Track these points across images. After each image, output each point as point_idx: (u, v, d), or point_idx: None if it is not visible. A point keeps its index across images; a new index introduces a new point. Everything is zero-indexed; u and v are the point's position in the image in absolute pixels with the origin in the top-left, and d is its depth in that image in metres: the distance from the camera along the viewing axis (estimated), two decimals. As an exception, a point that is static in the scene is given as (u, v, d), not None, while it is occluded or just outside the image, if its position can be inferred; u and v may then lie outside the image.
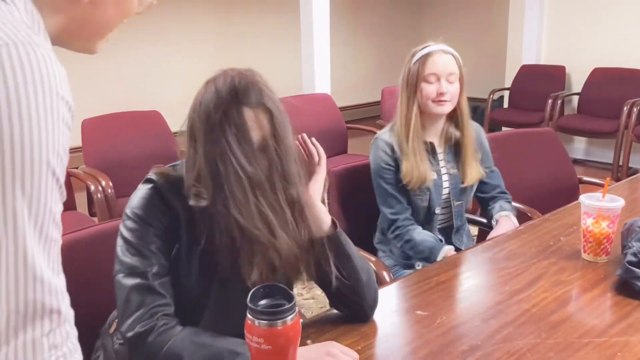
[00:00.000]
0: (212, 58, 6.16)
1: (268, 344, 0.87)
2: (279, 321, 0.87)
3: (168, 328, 1.10)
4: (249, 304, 0.89)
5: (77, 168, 3.05)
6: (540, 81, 5.56)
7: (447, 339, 1.22)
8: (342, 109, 4.41)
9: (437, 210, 1.99)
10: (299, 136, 1.29)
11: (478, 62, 6.93)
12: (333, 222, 1.25)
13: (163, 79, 5.92)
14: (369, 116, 6.86)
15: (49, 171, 0.60)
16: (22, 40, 0.60)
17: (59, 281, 0.63)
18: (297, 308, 0.90)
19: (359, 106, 7.54)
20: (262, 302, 0.90)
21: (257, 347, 0.87)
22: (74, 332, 0.67)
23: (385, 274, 1.77)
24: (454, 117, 1.97)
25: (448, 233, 2.07)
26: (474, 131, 2.02)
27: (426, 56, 1.90)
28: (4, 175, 0.57)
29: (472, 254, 1.73)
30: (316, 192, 1.25)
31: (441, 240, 1.99)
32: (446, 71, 1.88)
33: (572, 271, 1.53)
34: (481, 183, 2.08)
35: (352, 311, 1.29)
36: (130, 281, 1.12)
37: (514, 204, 2.13)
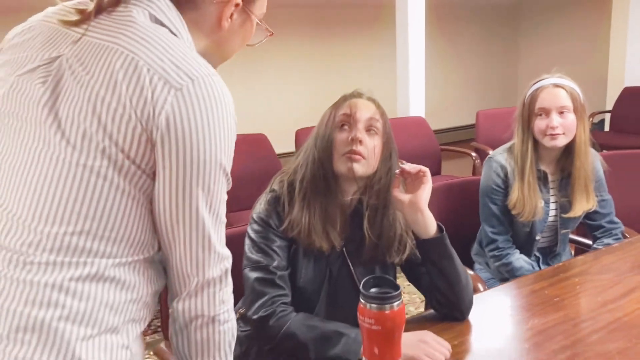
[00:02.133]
0: (312, 81, 6.46)
1: (377, 325, 1.02)
2: (387, 306, 1.02)
3: (285, 314, 1.29)
4: (362, 290, 1.04)
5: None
6: (645, 103, 5.39)
7: (539, 338, 1.31)
8: (436, 131, 4.51)
9: (538, 237, 2.04)
10: (400, 163, 1.46)
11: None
12: (439, 226, 1.40)
13: (267, 103, 6.28)
14: (464, 139, 6.88)
15: (221, 171, 0.83)
16: (206, 73, 0.82)
17: (226, 251, 0.88)
18: (402, 297, 1.05)
19: (453, 129, 7.58)
20: (372, 289, 1.05)
21: (369, 327, 1.03)
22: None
23: (480, 286, 1.87)
24: (570, 148, 1.96)
25: (546, 253, 2.12)
26: (591, 162, 1.99)
27: (537, 91, 1.94)
28: (191, 180, 0.80)
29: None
30: (425, 199, 1.40)
31: (538, 259, 2.05)
32: (557, 105, 1.90)
33: (668, 285, 1.56)
34: (592, 211, 2.05)
35: (449, 310, 1.41)
36: (255, 274, 1.32)
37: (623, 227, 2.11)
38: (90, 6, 0.87)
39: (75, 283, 0.78)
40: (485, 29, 7.93)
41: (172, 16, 0.90)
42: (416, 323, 1.41)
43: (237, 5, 0.95)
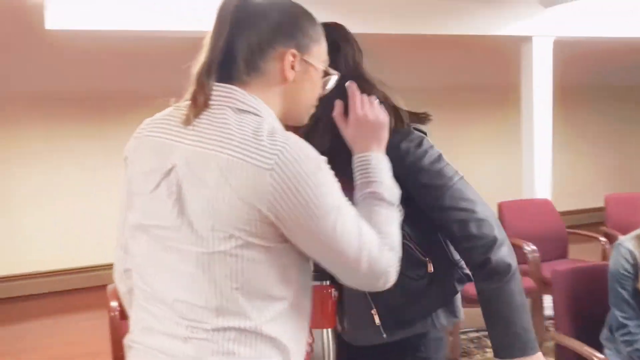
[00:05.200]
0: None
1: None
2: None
3: None
4: None
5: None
6: None
7: None
8: (562, 213, 4.47)
9: None
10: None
11: None
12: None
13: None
14: (591, 222, 6.66)
15: (333, 205, 1.01)
16: (283, 141, 0.97)
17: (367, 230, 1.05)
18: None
19: (580, 211, 7.35)
20: None
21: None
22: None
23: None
24: None
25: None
26: None
27: None
28: (318, 228, 0.99)
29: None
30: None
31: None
32: None
33: None
34: None
35: None
36: None
37: None
38: (188, 111, 1.03)
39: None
40: (616, 110, 7.76)
41: (249, 100, 1.03)
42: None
43: (294, 55, 1.06)
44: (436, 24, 4.22)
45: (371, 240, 1.04)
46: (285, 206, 0.96)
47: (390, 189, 1.17)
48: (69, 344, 4.05)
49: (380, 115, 1.23)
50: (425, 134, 1.38)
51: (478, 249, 1.26)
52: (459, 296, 1.44)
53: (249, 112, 1.02)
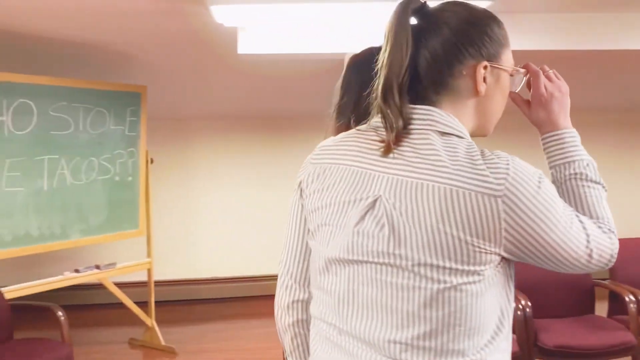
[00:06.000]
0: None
1: None
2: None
3: None
4: None
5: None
6: None
7: None
8: None
9: None
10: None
11: None
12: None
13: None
14: None
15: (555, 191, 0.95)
16: (505, 163, 0.91)
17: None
18: None
19: None
20: None
21: None
22: None
23: None
24: None
25: None
26: None
27: None
28: (563, 209, 0.95)
29: None
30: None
31: None
32: None
33: None
34: None
35: None
36: None
37: None
38: (387, 135, 0.95)
39: None
40: None
41: (449, 122, 0.96)
42: None
43: (485, 67, 0.98)
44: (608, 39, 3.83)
45: (594, 232, 0.97)
46: (519, 229, 0.91)
47: (592, 165, 1.06)
48: (244, 349, 4.29)
49: (562, 85, 1.12)
50: None
51: None
52: None
53: (452, 134, 0.96)
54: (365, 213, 0.95)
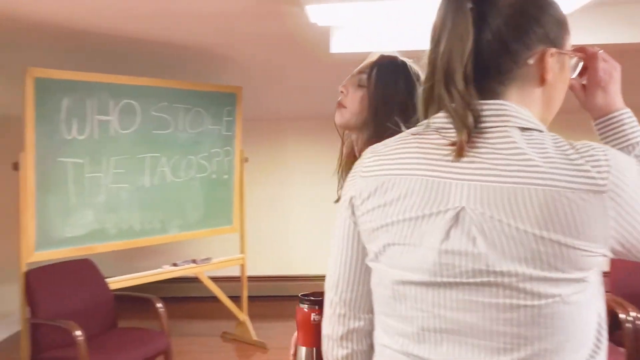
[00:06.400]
0: None
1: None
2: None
3: None
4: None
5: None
6: None
7: None
8: None
9: None
10: None
11: None
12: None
13: None
14: None
15: None
16: (603, 153, 0.83)
17: None
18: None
19: None
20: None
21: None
22: None
23: None
24: None
25: None
26: None
27: None
28: None
29: None
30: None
31: None
32: None
33: None
34: None
35: None
36: None
37: None
38: (458, 135, 0.85)
39: None
40: None
41: (526, 115, 0.87)
42: None
43: (551, 55, 0.89)
44: None
45: None
46: (627, 226, 0.81)
47: None
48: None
49: (617, 65, 1.06)
50: None
51: None
52: None
53: (532, 128, 0.86)
54: (450, 228, 0.84)
